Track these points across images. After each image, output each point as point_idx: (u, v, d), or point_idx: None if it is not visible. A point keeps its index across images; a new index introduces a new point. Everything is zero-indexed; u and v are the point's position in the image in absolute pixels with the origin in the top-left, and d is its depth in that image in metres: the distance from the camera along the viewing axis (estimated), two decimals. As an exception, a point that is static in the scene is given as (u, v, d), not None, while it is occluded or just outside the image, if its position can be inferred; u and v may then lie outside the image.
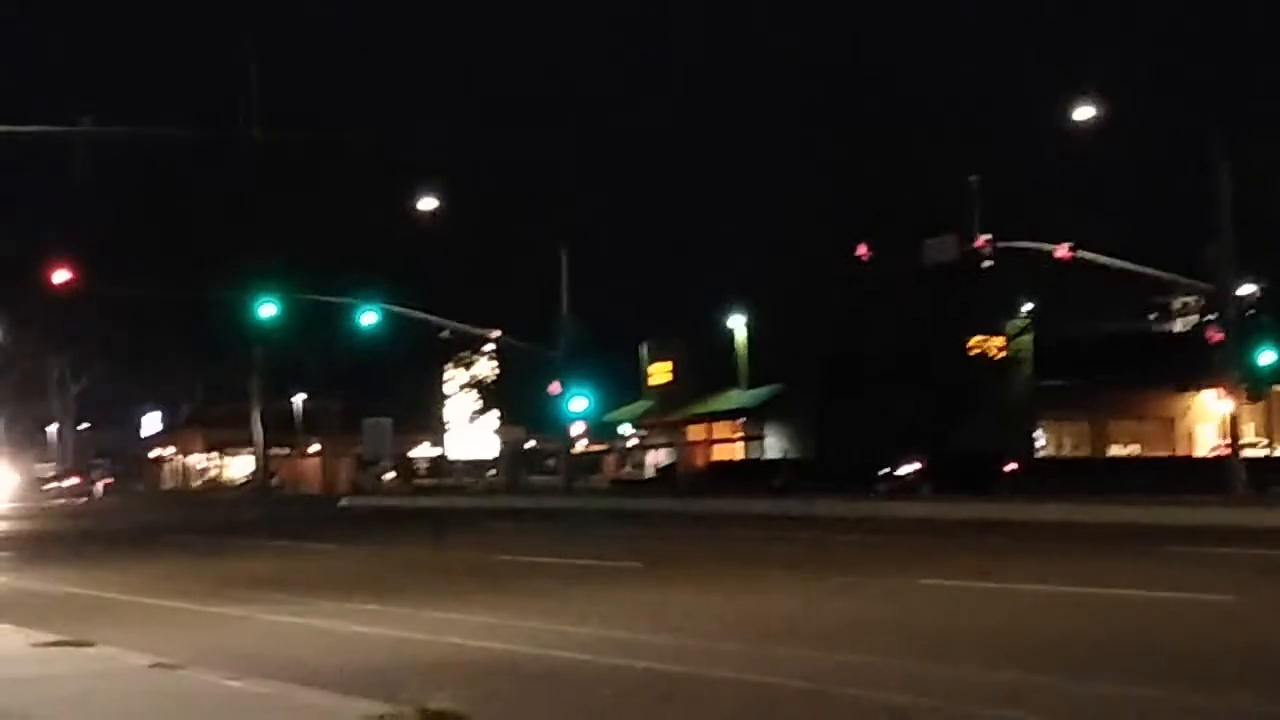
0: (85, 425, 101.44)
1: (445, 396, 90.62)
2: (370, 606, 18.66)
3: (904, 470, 56.48)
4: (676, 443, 79.14)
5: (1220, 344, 45.21)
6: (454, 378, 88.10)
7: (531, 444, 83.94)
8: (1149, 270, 47.53)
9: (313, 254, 72.06)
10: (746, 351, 73.32)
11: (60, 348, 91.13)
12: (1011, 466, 54.34)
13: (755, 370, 72.41)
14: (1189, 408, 69.96)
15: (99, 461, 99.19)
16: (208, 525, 46.90)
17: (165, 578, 24.93)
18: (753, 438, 73.52)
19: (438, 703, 10.87)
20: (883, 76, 60.87)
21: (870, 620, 16.53)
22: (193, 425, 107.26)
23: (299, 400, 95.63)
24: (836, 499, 45.78)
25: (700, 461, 75.08)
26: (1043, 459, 68.62)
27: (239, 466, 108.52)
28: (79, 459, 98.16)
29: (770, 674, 12.61)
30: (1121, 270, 46.95)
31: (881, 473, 57.10)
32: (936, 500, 42.88)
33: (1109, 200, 63.04)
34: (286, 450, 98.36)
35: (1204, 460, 62.99)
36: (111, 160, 39.76)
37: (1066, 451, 72.14)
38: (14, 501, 76.60)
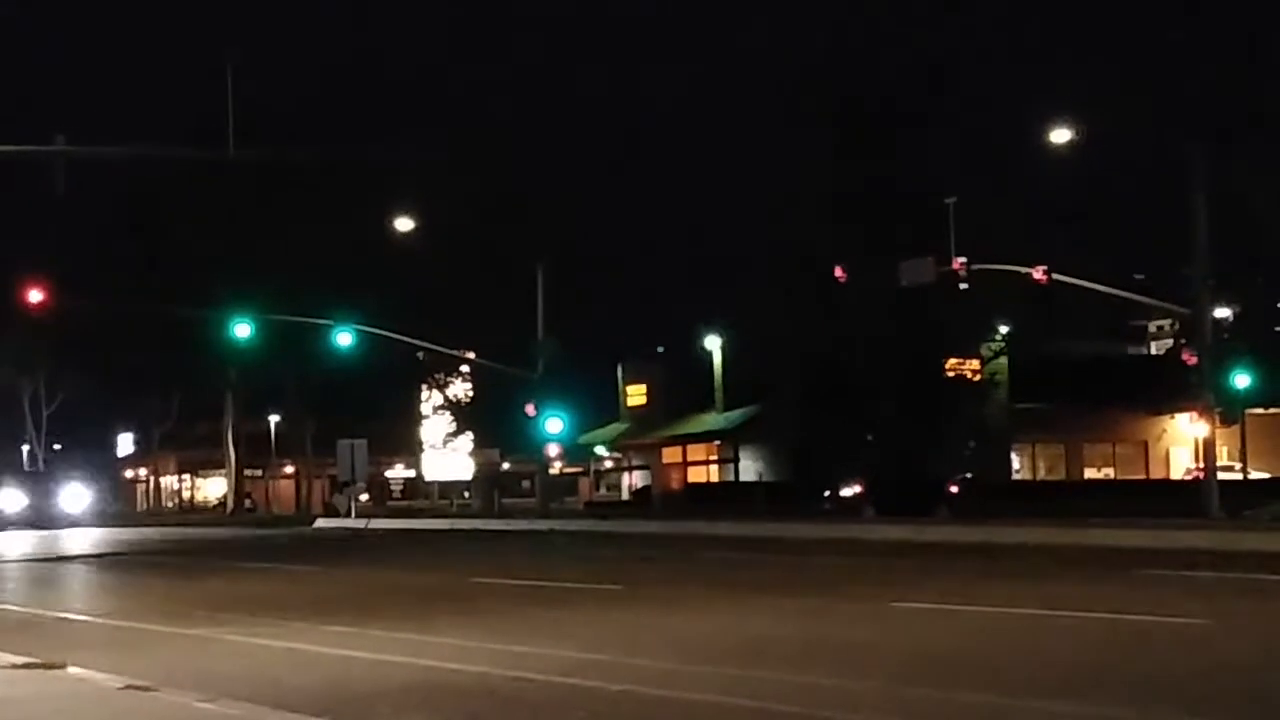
0: (58, 446, 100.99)
1: (422, 417, 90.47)
2: (344, 628, 18.55)
3: (846, 492, 56.74)
4: (652, 465, 79.10)
5: (1195, 367, 45.35)
6: (430, 398, 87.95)
7: (506, 466, 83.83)
8: (1125, 293, 47.71)
9: (289, 273, 71.93)
10: (722, 374, 73.35)
11: (33, 367, 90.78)
12: (953, 489, 54.56)
13: (730, 392, 72.44)
14: (1164, 431, 70.28)
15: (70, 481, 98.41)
16: (180, 546, 46.67)
17: (138, 599, 24.78)
18: (728, 460, 73.54)
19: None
20: (863, 94, 60.92)
21: (845, 642, 16.47)
22: (166, 446, 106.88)
23: (274, 421, 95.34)
24: (811, 522, 45.80)
25: (676, 484, 75.06)
26: (1017, 481, 68.81)
27: (212, 488, 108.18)
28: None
29: (749, 697, 12.54)
30: (1097, 293, 47.10)
31: (825, 494, 57.39)
32: (910, 524, 42.82)
33: (1086, 223, 63.21)
34: (260, 471, 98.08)
35: (1178, 483, 63.23)
36: (86, 178, 39.63)
37: (1041, 474, 72.33)
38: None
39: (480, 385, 79.26)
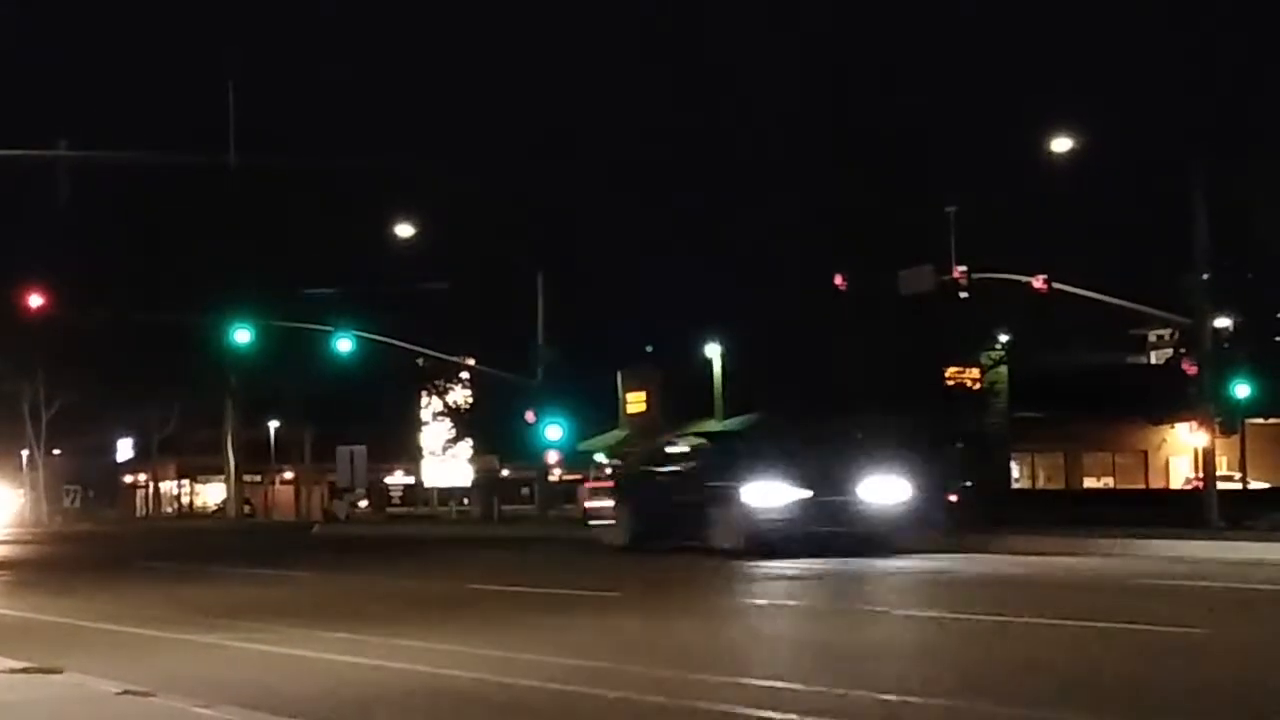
0: (57, 451, 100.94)
1: (421, 424, 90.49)
2: (342, 635, 18.52)
3: None
4: (651, 472, 78.85)
5: (1195, 377, 45.32)
6: (429, 405, 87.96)
7: (506, 473, 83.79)
8: (1125, 303, 47.64)
9: (289, 279, 71.95)
10: (722, 381, 73.34)
11: (32, 373, 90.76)
12: (952, 498, 54.47)
13: (731, 400, 72.42)
14: (1163, 441, 70.32)
15: (70, 488, 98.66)
16: (179, 552, 46.64)
17: (136, 604, 24.74)
18: (728, 467, 73.34)
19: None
20: (864, 102, 61.00)
21: (844, 650, 16.46)
22: (166, 452, 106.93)
23: (273, 427, 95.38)
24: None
25: (675, 491, 74.85)
26: (1016, 490, 68.82)
27: (211, 493, 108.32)
28: (51, 485, 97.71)
29: (748, 704, 12.53)
30: (1098, 302, 47.06)
31: None
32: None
33: (1087, 231, 63.18)
34: (259, 477, 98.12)
35: (1178, 493, 63.22)
36: (86, 182, 39.64)
37: (1041, 483, 72.38)
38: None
39: (480, 392, 79.23)
